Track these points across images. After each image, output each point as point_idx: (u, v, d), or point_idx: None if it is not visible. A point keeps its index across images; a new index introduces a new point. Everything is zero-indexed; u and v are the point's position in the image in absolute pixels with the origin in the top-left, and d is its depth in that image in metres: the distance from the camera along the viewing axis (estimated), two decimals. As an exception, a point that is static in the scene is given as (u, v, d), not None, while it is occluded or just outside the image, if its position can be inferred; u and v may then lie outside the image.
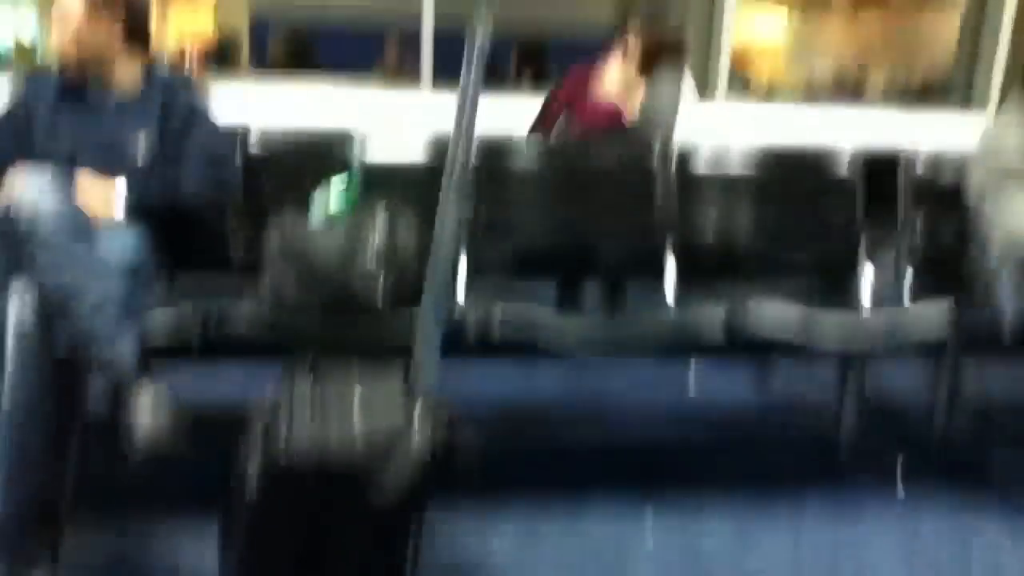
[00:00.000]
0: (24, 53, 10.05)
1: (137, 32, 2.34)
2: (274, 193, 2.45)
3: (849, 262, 2.76)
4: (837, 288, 2.73)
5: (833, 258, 2.79)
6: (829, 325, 2.34)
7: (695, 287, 2.58)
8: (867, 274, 2.74)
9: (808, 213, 2.82)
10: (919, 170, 2.86)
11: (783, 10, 14.56)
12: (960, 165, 2.74)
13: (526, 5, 8.10)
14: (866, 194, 2.80)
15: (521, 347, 2.25)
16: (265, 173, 2.60)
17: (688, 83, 2.92)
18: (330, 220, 2.22)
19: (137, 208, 2.16)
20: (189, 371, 2.55)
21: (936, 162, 2.87)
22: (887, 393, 2.95)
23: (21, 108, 2.31)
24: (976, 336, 2.43)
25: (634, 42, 2.89)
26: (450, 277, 1.90)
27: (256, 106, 2.99)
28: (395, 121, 2.97)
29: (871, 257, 2.75)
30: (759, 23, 14.43)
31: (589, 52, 3.13)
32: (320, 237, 2.14)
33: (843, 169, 2.83)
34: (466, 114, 1.62)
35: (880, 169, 2.82)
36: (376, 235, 2.14)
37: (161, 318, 2.09)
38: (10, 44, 10.43)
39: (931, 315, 2.41)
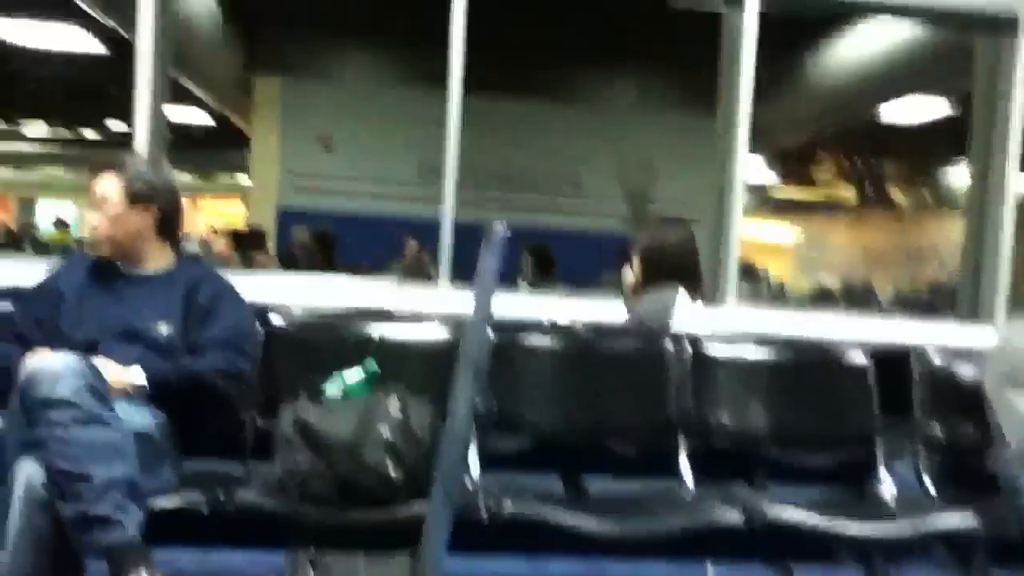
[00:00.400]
0: (61, 236, 10.47)
1: (169, 222, 2.45)
2: (291, 374, 2.47)
3: (867, 462, 2.73)
4: (855, 486, 2.68)
5: (851, 459, 2.76)
6: (851, 531, 2.28)
7: (710, 482, 2.53)
8: (885, 477, 2.69)
9: (823, 409, 2.81)
10: (933, 364, 2.87)
11: (790, 220, 15.07)
12: (975, 360, 2.76)
13: (538, 205, 8.48)
14: (880, 390, 2.80)
15: (532, 543, 2.19)
16: (284, 351, 2.63)
17: (683, 297, 3.01)
18: (344, 404, 2.23)
19: (154, 392, 2.18)
20: (192, 556, 2.50)
21: (949, 357, 2.89)
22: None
23: (52, 288, 2.39)
24: (1003, 544, 2.36)
25: (636, 261, 3.00)
26: (461, 470, 1.89)
27: (278, 292, 3.08)
28: (414, 312, 3.04)
29: (888, 456, 2.72)
30: (769, 228, 14.89)
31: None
32: (332, 422, 2.14)
33: (856, 362, 2.85)
34: (482, 300, 1.67)
35: (893, 364, 2.84)
36: (388, 424, 2.14)
37: (167, 503, 2.06)
38: (50, 228, 10.87)
39: (955, 521, 2.35)
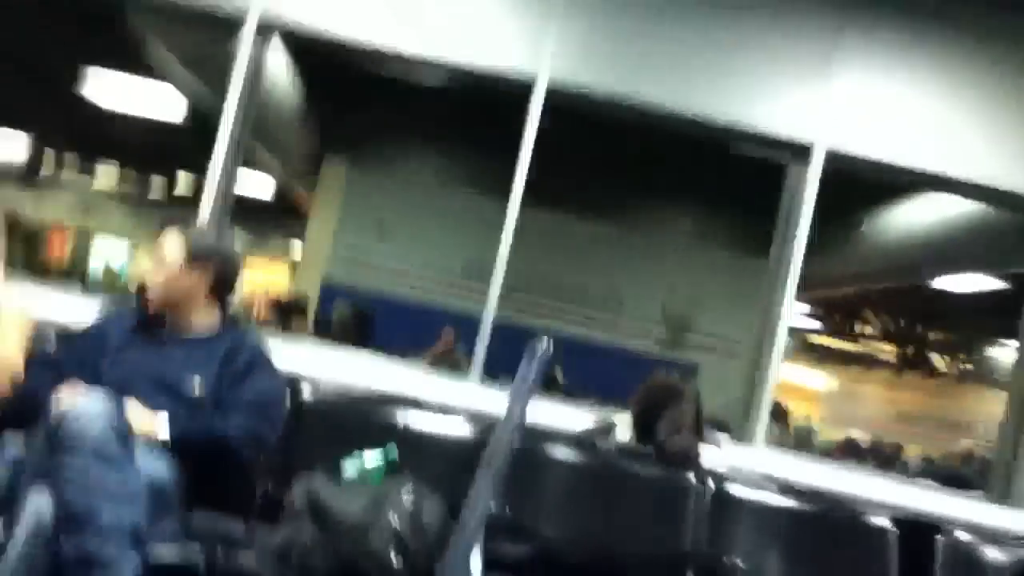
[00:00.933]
0: (110, 277, 10.70)
1: (222, 285, 2.51)
2: (312, 447, 2.48)
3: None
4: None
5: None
6: None
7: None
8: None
9: (842, 569, 2.73)
10: (960, 542, 2.78)
11: (826, 368, 14.91)
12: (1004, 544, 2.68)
13: (579, 318, 8.52)
14: (904, 559, 2.71)
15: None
16: (309, 424, 2.65)
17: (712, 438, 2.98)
18: (358, 488, 2.23)
19: (175, 444, 2.20)
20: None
21: (978, 538, 2.80)
22: None
23: (97, 333, 2.45)
24: None
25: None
26: (464, 570, 1.87)
27: (312, 362, 3.11)
28: (442, 404, 3.05)
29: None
30: (803, 372, 14.72)
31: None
32: (344, 501, 2.14)
33: (881, 527, 2.77)
34: (516, 410, 1.68)
35: (917, 533, 2.76)
36: (399, 513, 2.13)
37: (166, 555, 2.05)
38: (100, 268, 11.13)
39: None
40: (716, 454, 3.00)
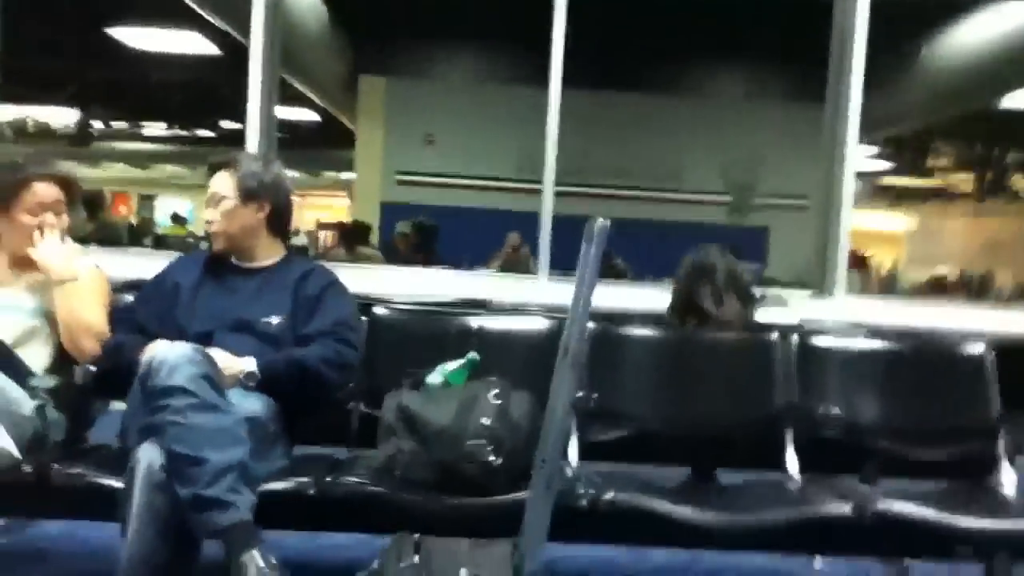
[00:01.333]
0: (178, 231, 10.94)
1: (279, 217, 2.53)
2: (393, 364, 2.52)
3: (987, 457, 2.60)
4: (975, 481, 2.56)
5: (969, 453, 2.63)
6: (969, 525, 2.18)
7: (818, 474, 2.46)
8: (1007, 472, 2.56)
9: (939, 402, 2.69)
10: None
11: (903, 210, 14.47)
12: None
13: (640, 198, 8.40)
14: (1001, 382, 2.66)
15: (633, 532, 2.18)
16: (387, 342, 2.69)
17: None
18: (445, 392, 2.27)
19: (265, 380, 2.26)
20: (299, 539, 2.58)
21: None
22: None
23: (169, 281, 2.50)
24: None
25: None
26: (561, 459, 1.89)
27: (382, 284, 3.15)
28: (514, 304, 3.06)
29: (1011, 451, 2.58)
30: (880, 217, 14.36)
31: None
32: (433, 410, 2.18)
33: (974, 352, 2.71)
34: (582, 295, 1.66)
35: (1015, 356, 2.69)
36: (488, 412, 2.16)
37: (278, 487, 2.13)
38: (168, 223, 11.38)
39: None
40: (783, 311, 2.96)
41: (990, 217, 13.85)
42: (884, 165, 13.34)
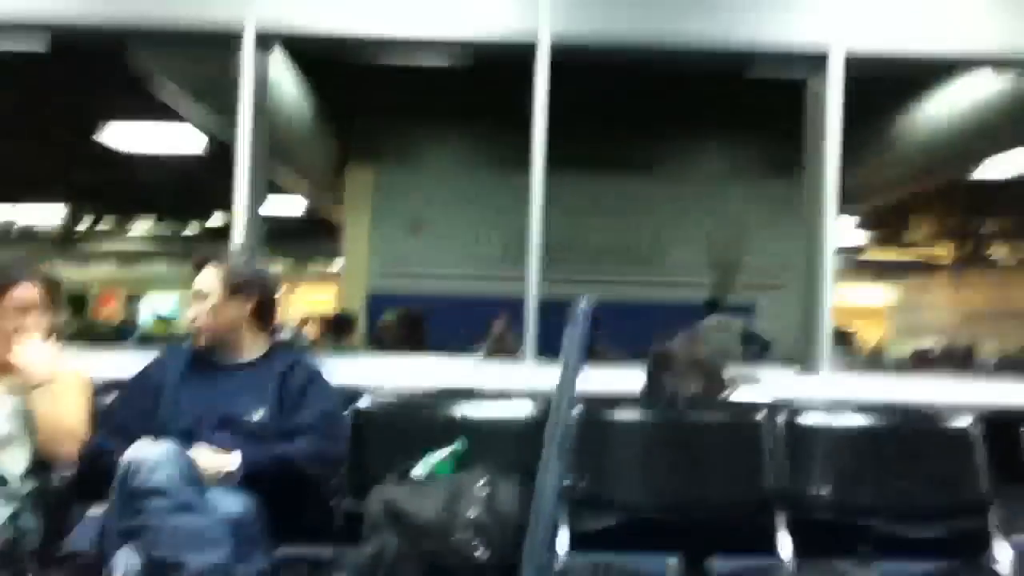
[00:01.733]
0: (161, 326, 10.89)
1: (264, 311, 2.53)
2: (380, 456, 2.49)
3: (981, 534, 2.57)
4: (969, 559, 2.52)
5: (963, 530, 2.60)
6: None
7: (811, 557, 2.42)
8: (1002, 549, 2.52)
9: (930, 478, 2.67)
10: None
11: (885, 281, 14.58)
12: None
13: (623, 279, 8.45)
14: (991, 456, 2.65)
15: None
16: (373, 433, 2.66)
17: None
18: (431, 484, 2.24)
19: (248, 477, 2.23)
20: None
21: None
22: None
23: (152, 379, 2.49)
24: None
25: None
26: (550, 551, 1.86)
27: (368, 374, 3.12)
28: (500, 390, 3.04)
29: (1005, 527, 2.55)
30: (862, 291, 14.45)
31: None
32: (419, 503, 2.15)
33: (963, 428, 2.70)
34: (568, 378, 1.66)
35: (1003, 429, 2.68)
36: (475, 503, 2.13)
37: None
38: (151, 318, 11.32)
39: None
40: (759, 391, 2.97)
41: (971, 288, 13.98)
42: (864, 239, 13.50)
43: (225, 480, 2.19)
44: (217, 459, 2.23)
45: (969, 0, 3.62)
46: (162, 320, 11.55)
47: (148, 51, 4.76)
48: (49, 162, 9.70)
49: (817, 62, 3.61)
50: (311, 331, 8.40)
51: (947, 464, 2.70)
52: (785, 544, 2.51)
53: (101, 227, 15.13)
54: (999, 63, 3.82)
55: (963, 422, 2.74)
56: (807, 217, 3.73)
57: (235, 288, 2.47)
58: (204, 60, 4.65)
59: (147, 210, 13.94)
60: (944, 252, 14.01)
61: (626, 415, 2.82)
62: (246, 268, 2.53)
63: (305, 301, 16.52)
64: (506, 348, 5.74)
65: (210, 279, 2.48)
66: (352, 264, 9.35)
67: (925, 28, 3.61)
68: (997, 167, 7.76)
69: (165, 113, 6.55)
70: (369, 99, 7.85)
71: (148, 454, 1.99)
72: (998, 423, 2.72)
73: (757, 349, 6.09)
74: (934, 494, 2.66)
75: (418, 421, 2.73)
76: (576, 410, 2.34)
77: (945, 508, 2.65)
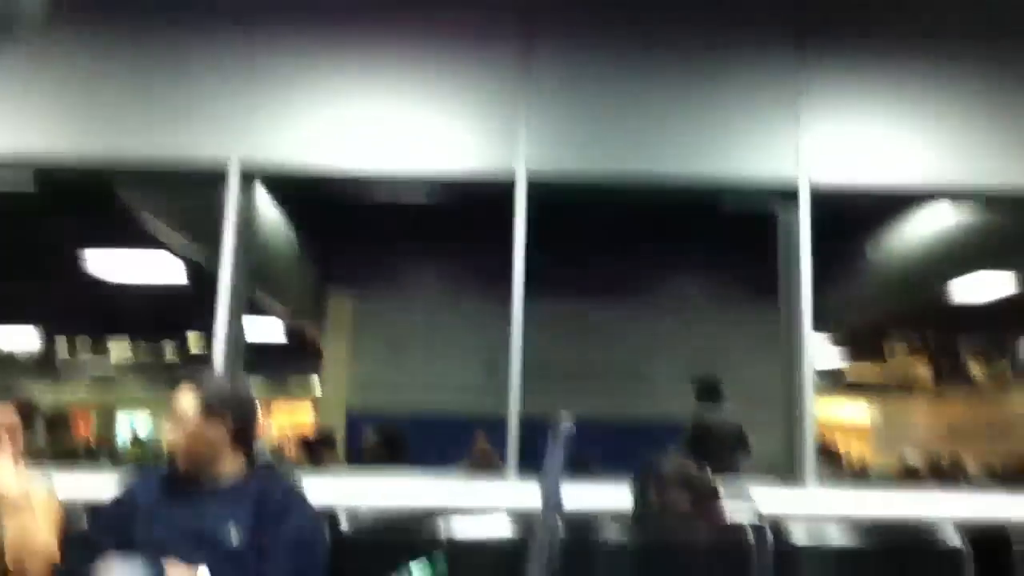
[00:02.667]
0: (137, 447, 10.69)
1: (243, 432, 2.51)
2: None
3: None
4: None
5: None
6: None
7: None
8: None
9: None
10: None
11: (866, 399, 14.67)
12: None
13: (604, 399, 8.43)
14: (978, 569, 2.61)
15: None
16: (352, 554, 2.61)
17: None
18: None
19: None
20: None
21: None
22: None
23: (126, 499, 2.44)
24: None
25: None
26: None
27: (348, 494, 3.08)
28: (482, 508, 2.99)
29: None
30: (844, 408, 14.50)
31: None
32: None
33: (951, 543, 2.68)
34: (550, 501, 1.64)
35: (991, 544, 2.66)
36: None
37: None
38: (127, 439, 11.12)
39: None
40: (749, 509, 2.95)
41: (950, 404, 14.04)
42: (844, 358, 13.62)
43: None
44: (189, 572, 2.16)
45: (929, 132, 3.78)
46: (139, 442, 11.35)
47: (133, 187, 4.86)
48: (28, 286, 9.70)
49: (787, 194, 3.76)
50: (291, 450, 8.27)
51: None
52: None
53: (78, 350, 15.02)
54: (955, 195, 3.99)
55: (951, 539, 2.72)
56: (784, 338, 3.79)
57: (213, 410, 2.45)
58: (187, 191, 4.74)
59: (125, 330, 13.86)
60: (922, 370, 14.14)
61: (611, 535, 2.77)
62: (224, 389, 2.52)
63: (284, 420, 16.32)
64: (489, 464, 5.67)
65: (187, 402, 2.46)
66: (331, 384, 9.31)
67: (888, 160, 3.78)
68: (967, 288, 7.95)
69: (147, 241, 6.63)
70: (350, 228, 7.99)
71: (119, 571, 1.93)
72: (986, 538, 2.70)
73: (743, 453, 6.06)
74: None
75: (399, 541, 2.68)
76: (560, 528, 2.31)
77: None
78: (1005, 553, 2.69)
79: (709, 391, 6.14)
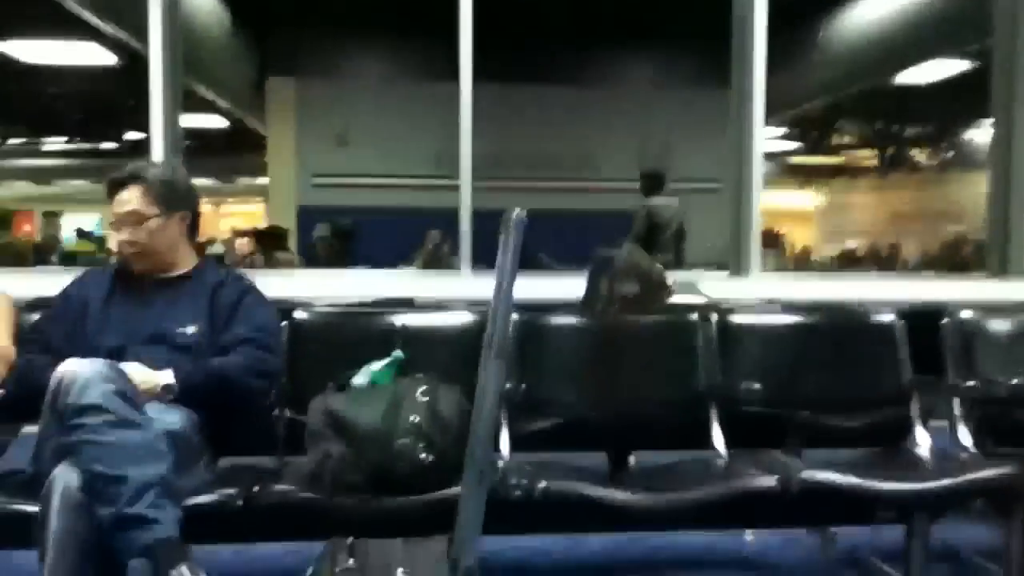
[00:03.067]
0: (85, 246, 10.58)
1: (195, 224, 2.46)
2: (318, 367, 2.48)
3: (903, 423, 2.70)
4: (892, 447, 2.66)
5: (886, 420, 2.74)
6: (889, 489, 2.26)
7: (744, 450, 2.52)
8: (922, 436, 2.66)
9: (855, 372, 2.79)
10: (964, 321, 2.84)
11: (813, 187, 14.92)
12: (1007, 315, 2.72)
13: (557, 189, 8.45)
14: (912, 349, 2.77)
15: (569, 519, 2.19)
16: (309, 345, 2.65)
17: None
18: (371, 392, 2.25)
19: (184, 392, 2.20)
20: (231, 552, 2.52)
21: (980, 314, 2.86)
22: (955, 551, 2.79)
23: (77, 297, 2.41)
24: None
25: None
26: (492, 452, 1.89)
27: (303, 288, 3.09)
28: (437, 300, 3.04)
29: (924, 415, 2.69)
30: (791, 197, 14.77)
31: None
32: (361, 411, 2.15)
33: (886, 321, 2.82)
34: (504, 287, 1.66)
35: (924, 323, 2.81)
36: (416, 409, 2.14)
37: (203, 500, 2.07)
38: (73, 239, 10.98)
39: (994, 475, 2.32)
40: (699, 293, 3.04)
41: (894, 190, 14.36)
42: (792, 145, 13.70)
43: (161, 395, 2.16)
44: (151, 374, 2.18)
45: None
46: (85, 237, 11.16)
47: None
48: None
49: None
50: (243, 246, 8.25)
51: (871, 358, 2.81)
52: (719, 438, 2.60)
53: (12, 144, 14.49)
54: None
55: (886, 318, 2.85)
56: (734, 125, 3.77)
57: (171, 204, 2.38)
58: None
59: (59, 126, 13.35)
60: (868, 156, 14.34)
61: (562, 320, 2.85)
62: (174, 181, 2.44)
63: (234, 216, 16.18)
64: (441, 259, 5.74)
65: (138, 199, 2.36)
66: (279, 178, 9.16)
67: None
68: (916, 74, 7.89)
69: (74, 25, 6.23)
70: (288, 9, 7.58)
71: (79, 371, 1.94)
72: (919, 318, 2.84)
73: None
74: (859, 387, 2.78)
75: (355, 332, 2.72)
76: (514, 317, 2.36)
77: (869, 399, 2.77)
78: (937, 331, 2.83)
79: (655, 184, 6.18)
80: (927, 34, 6.61)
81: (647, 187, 6.18)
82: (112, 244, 2.44)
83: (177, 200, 2.40)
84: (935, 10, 6.17)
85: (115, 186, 2.38)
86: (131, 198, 2.36)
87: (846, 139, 13.89)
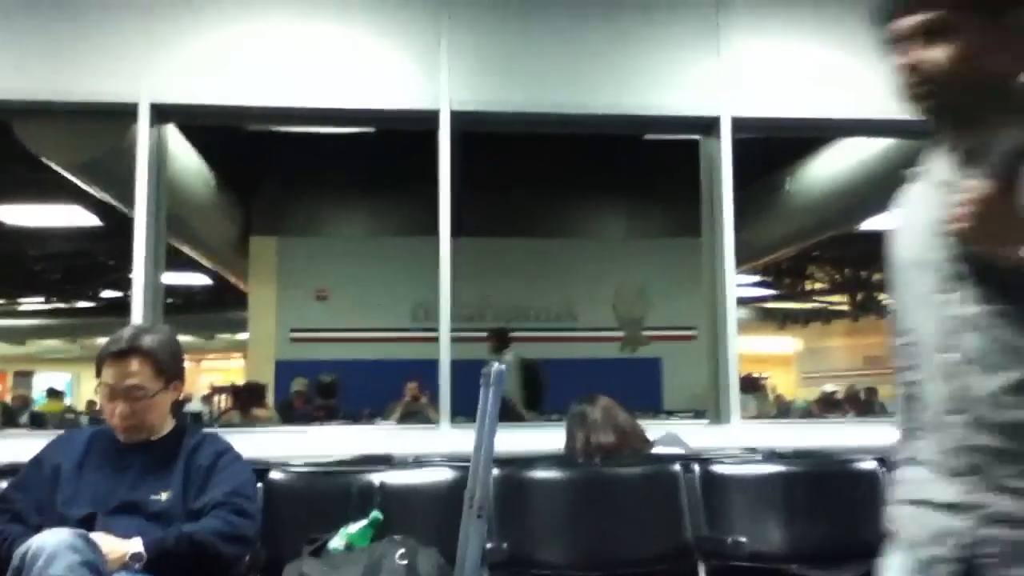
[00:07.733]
0: (55, 406, 10.40)
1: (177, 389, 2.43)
2: (294, 530, 2.42)
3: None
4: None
5: (877, 569, 2.67)
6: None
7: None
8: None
9: (841, 520, 2.74)
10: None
11: (789, 332, 15.06)
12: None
13: (536, 338, 8.50)
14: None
15: None
16: (285, 507, 2.59)
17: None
18: (348, 557, 2.18)
19: (154, 560, 2.12)
20: None
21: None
22: None
23: (49, 463, 2.35)
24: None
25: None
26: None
27: (280, 445, 3.05)
28: (416, 455, 3.00)
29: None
30: (770, 342, 14.84)
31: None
32: (338, 575, 2.09)
33: (869, 470, 2.80)
34: (484, 441, 1.65)
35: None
36: (395, 573, 2.08)
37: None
38: (44, 399, 10.80)
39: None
40: (679, 444, 3.03)
41: (866, 335, 14.56)
42: (767, 292, 13.97)
43: (130, 564, 2.09)
44: (119, 543, 2.11)
45: (845, 67, 3.81)
46: (55, 397, 11.00)
47: (37, 128, 4.57)
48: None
49: (708, 126, 3.79)
50: (221, 403, 8.16)
51: (856, 506, 2.78)
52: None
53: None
54: (870, 127, 4.08)
55: (868, 465, 2.83)
56: (707, 273, 3.84)
57: (170, 376, 2.36)
58: (92, 137, 4.53)
59: (37, 286, 13.38)
60: (841, 301, 14.62)
61: (543, 473, 2.81)
62: (176, 352, 2.42)
63: (213, 372, 16.07)
64: (421, 410, 5.69)
65: (140, 372, 2.29)
66: (259, 333, 9.16)
67: (806, 93, 3.82)
68: (884, 220, 8.11)
69: (59, 188, 6.35)
70: (271, 171, 7.79)
71: (46, 542, 1.88)
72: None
73: None
74: (845, 536, 2.73)
75: (332, 492, 2.66)
76: (494, 472, 2.33)
77: (856, 549, 2.71)
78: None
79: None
80: (889, 183, 6.85)
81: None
82: (108, 416, 2.33)
83: (175, 370, 2.39)
84: (895, 159, 6.42)
85: (116, 357, 2.31)
86: (134, 371, 2.30)
87: (817, 285, 14.18)
